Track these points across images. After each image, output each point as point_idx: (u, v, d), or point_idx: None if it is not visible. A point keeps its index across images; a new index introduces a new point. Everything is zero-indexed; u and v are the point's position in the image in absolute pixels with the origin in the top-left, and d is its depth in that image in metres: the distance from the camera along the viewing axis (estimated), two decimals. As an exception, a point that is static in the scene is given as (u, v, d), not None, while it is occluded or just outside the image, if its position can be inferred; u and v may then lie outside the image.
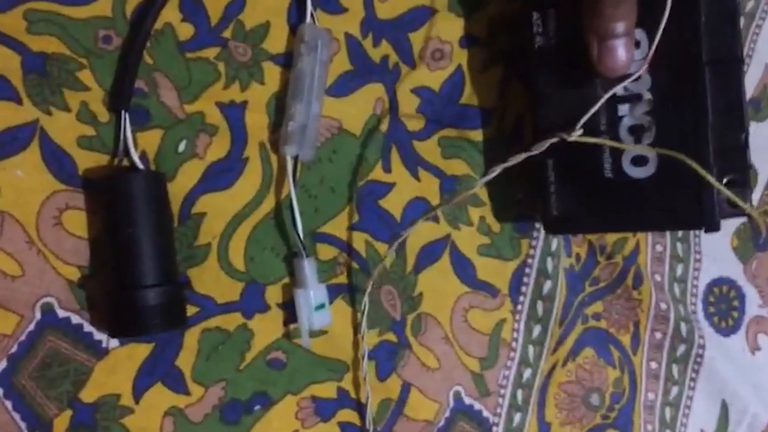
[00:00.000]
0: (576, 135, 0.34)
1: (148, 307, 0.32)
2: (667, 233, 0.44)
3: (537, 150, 0.34)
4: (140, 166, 0.35)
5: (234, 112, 0.37)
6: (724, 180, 0.34)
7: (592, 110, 0.33)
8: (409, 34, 0.40)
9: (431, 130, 0.40)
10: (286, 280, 0.37)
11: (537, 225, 0.42)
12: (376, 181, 0.39)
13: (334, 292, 0.38)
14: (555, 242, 0.42)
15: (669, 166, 0.34)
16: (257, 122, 0.37)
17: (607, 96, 0.33)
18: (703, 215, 0.34)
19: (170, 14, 0.36)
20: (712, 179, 0.33)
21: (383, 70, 0.40)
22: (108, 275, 0.34)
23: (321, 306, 0.36)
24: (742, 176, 0.35)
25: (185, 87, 0.36)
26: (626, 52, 0.33)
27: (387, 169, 0.40)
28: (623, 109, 0.35)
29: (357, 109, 0.39)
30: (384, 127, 0.40)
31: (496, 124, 0.41)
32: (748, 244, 0.45)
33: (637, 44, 0.35)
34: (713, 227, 0.35)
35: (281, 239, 0.37)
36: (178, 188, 0.36)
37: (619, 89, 0.35)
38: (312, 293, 0.36)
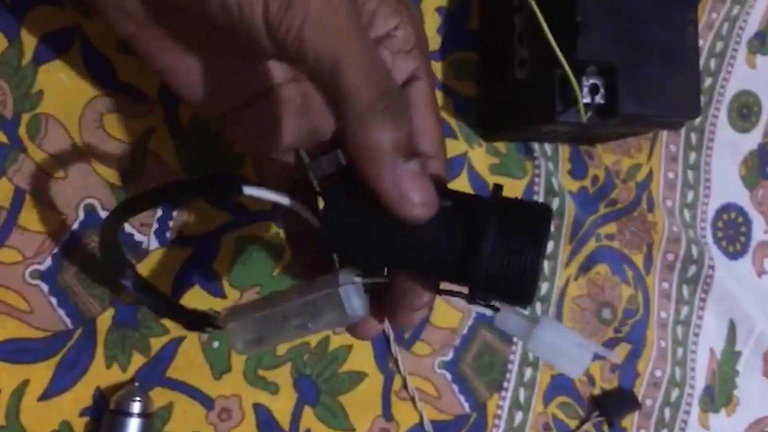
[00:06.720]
0: None
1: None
2: (679, 160, 0.46)
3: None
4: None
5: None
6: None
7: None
8: None
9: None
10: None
11: (535, 147, 0.43)
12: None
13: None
14: (551, 164, 0.43)
15: None
16: None
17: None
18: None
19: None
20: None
21: None
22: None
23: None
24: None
25: None
26: None
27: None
28: None
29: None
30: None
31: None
32: (755, 173, 0.47)
33: None
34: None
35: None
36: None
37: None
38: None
